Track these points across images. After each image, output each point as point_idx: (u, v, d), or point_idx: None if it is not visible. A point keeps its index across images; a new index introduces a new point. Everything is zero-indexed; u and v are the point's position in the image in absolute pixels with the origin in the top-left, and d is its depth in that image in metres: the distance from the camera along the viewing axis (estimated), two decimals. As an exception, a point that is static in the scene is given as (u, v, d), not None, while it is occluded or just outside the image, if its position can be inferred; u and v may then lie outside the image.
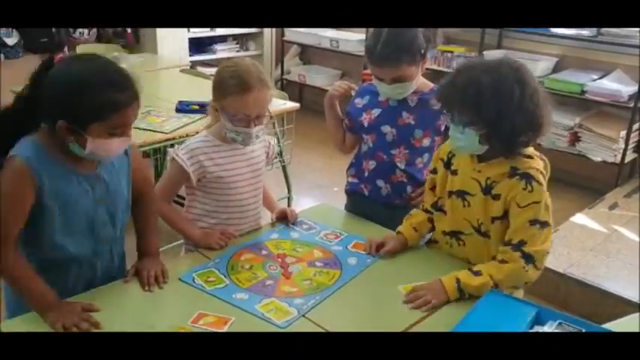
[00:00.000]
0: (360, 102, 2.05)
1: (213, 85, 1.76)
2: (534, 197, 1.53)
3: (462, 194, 1.65)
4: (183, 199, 1.92)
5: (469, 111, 1.50)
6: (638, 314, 1.81)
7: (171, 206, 1.86)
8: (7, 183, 1.41)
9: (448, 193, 1.69)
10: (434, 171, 1.77)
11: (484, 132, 1.52)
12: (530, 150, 1.60)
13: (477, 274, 1.55)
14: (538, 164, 1.58)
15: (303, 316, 1.48)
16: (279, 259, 1.73)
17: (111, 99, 1.38)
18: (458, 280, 1.55)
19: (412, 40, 1.82)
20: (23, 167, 1.40)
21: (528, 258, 1.53)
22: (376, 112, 1.99)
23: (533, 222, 1.53)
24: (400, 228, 1.81)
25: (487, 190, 1.59)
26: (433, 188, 1.78)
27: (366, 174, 2.05)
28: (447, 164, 1.71)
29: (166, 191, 1.84)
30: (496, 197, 1.58)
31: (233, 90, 1.69)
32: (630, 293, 2.63)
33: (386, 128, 1.97)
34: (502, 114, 1.47)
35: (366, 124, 2.01)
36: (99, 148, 1.43)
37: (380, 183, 2.02)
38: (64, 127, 1.40)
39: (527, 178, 1.54)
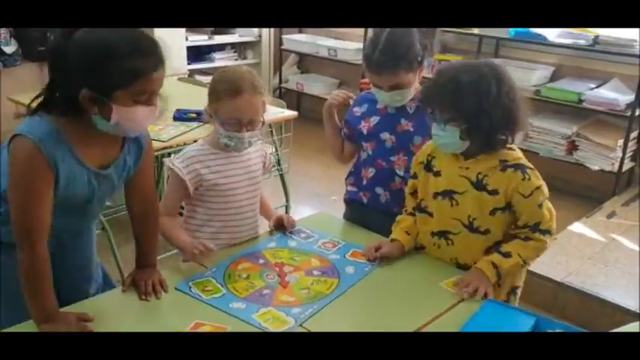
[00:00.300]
0: (358, 110, 2.05)
1: (208, 90, 1.77)
2: (534, 183, 1.62)
3: (449, 194, 1.69)
4: (182, 208, 1.91)
5: (450, 107, 1.58)
6: (637, 323, 1.81)
7: (169, 218, 1.79)
8: (22, 168, 1.35)
9: (434, 195, 1.73)
10: (414, 176, 1.81)
11: (464, 127, 1.58)
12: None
13: (507, 255, 1.64)
14: (520, 154, 1.68)
15: (301, 325, 1.47)
16: (277, 268, 1.72)
17: (137, 64, 1.34)
18: (494, 265, 1.63)
19: (409, 47, 1.84)
20: (35, 149, 1.34)
21: (545, 233, 1.65)
22: (375, 119, 2.00)
23: (540, 204, 1.63)
24: (393, 235, 1.82)
25: (480, 186, 1.64)
26: (413, 193, 1.83)
27: (365, 182, 2.05)
28: (428, 167, 1.76)
29: (169, 204, 1.81)
30: (493, 192, 1.63)
31: (224, 93, 1.70)
32: (628, 302, 2.62)
33: (385, 135, 1.98)
34: (481, 109, 1.55)
35: (365, 132, 2.01)
36: (124, 117, 1.38)
37: (379, 190, 2.02)
38: (87, 97, 1.35)
39: (521, 168, 1.63)
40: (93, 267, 1.73)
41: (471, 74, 1.57)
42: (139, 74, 1.35)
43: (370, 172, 2.03)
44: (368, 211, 2.05)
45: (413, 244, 1.82)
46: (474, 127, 1.58)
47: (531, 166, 1.65)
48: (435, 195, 1.72)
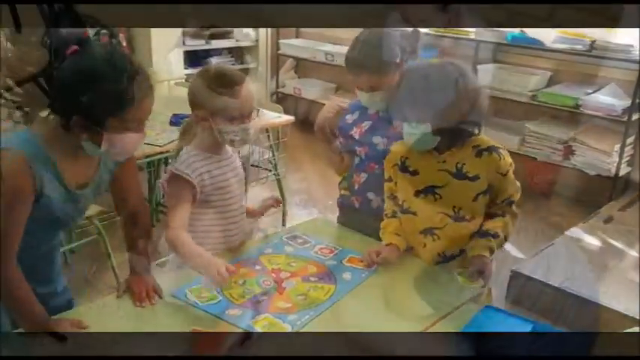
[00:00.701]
0: (350, 118, 2.06)
1: (195, 96, 1.72)
2: (508, 161, 1.73)
3: (430, 190, 1.73)
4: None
5: (420, 106, 1.63)
6: (636, 328, 1.80)
7: (183, 232, 1.68)
8: (8, 182, 1.34)
9: (415, 193, 1.76)
10: (389, 179, 1.84)
11: (436, 124, 1.63)
12: None
13: (496, 235, 1.73)
14: (486, 137, 1.76)
15: (297, 332, 1.46)
16: (274, 274, 1.71)
17: (127, 92, 1.36)
18: (491, 250, 1.71)
19: (387, 49, 1.86)
20: (21, 161, 1.35)
21: (514, 204, 1.78)
22: (367, 124, 2.01)
23: (514, 178, 1.76)
24: (386, 240, 1.83)
25: (460, 175, 1.70)
26: (391, 196, 1.86)
27: (357, 187, 2.05)
28: (403, 168, 1.79)
29: (178, 215, 1.69)
30: (474, 178, 1.70)
31: (222, 90, 1.67)
32: (626, 307, 2.62)
33: (377, 139, 1.98)
34: (450, 105, 1.61)
35: (357, 137, 2.01)
36: (114, 145, 1.41)
37: (370, 195, 2.02)
38: (79, 123, 1.37)
39: (495, 149, 1.72)
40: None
41: (437, 72, 1.65)
42: (131, 102, 1.37)
43: (362, 177, 2.03)
44: (360, 215, 2.05)
45: (405, 244, 1.83)
46: (444, 122, 1.63)
47: (500, 146, 1.74)
48: (417, 193, 1.76)
